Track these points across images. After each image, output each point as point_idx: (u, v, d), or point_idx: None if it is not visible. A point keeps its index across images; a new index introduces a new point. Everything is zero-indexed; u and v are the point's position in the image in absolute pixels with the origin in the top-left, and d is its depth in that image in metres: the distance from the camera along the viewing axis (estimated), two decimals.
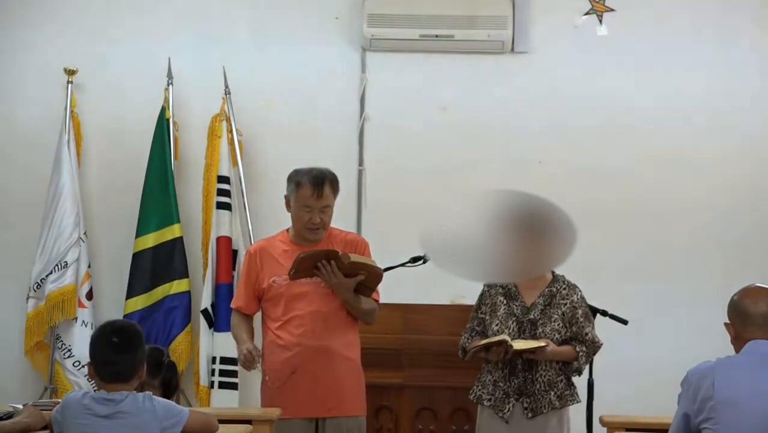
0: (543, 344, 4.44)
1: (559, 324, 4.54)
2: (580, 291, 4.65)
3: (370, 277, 4.47)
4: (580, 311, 4.58)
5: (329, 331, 4.49)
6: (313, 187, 4.49)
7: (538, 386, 4.50)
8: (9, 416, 3.68)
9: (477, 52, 6.39)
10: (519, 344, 4.43)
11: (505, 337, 4.43)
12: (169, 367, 4.48)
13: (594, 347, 4.59)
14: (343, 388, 4.51)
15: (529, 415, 4.49)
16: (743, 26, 6.40)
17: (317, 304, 4.50)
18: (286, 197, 4.59)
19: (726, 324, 3.63)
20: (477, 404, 4.60)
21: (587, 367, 4.70)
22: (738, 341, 3.58)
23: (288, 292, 4.51)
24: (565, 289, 4.61)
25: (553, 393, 4.52)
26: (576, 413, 4.70)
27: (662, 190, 6.34)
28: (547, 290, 4.60)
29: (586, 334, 4.57)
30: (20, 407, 3.81)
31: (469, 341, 4.63)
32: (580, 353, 4.54)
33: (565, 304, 4.57)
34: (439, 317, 4.98)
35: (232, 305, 4.72)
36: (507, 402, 4.50)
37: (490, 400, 4.53)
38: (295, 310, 4.51)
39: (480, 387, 4.59)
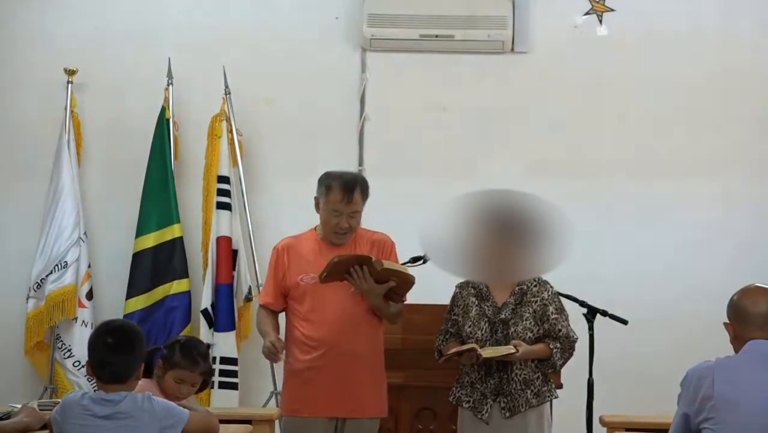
0: (512, 350, 4.43)
1: (530, 322, 4.53)
2: (551, 287, 4.63)
3: (402, 284, 4.48)
4: (551, 308, 4.57)
5: (355, 331, 4.49)
6: (344, 192, 4.49)
7: (514, 385, 4.49)
8: (8, 416, 3.68)
9: (477, 52, 6.38)
10: (488, 352, 4.43)
11: (474, 345, 4.43)
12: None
13: (569, 342, 4.55)
14: (365, 389, 4.52)
15: (507, 415, 4.48)
16: (745, 21, 6.40)
17: (345, 304, 4.50)
18: (316, 198, 4.58)
19: (725, 324, 3.63)
20: (457, 406, 4.60)
21: (588, 368, 4.69)
22: (737, 341, 3.58)
23: (316, 290, 4.51)
24: (535, 286, 4.60)
25: (529, 391, 4.51)
26: (576, 412, 4.70)
27: (663, 190, 6.33)
28: (517, 288, 4.59)
29: (560, 330, 4.55)
30: (18, 406, 3.81)
31: (444, 343, 4.65)
32: (554, 350, 4.52)
33: (536, 301, 4.57)
34: (439, 317, 4.96)
35: (260, 301, 4.72)
36: (485, 403, 4.49)
37: (468, 402, 4.53)
38: (322, 308, 4.51)
39: (459, 388, 4.59)
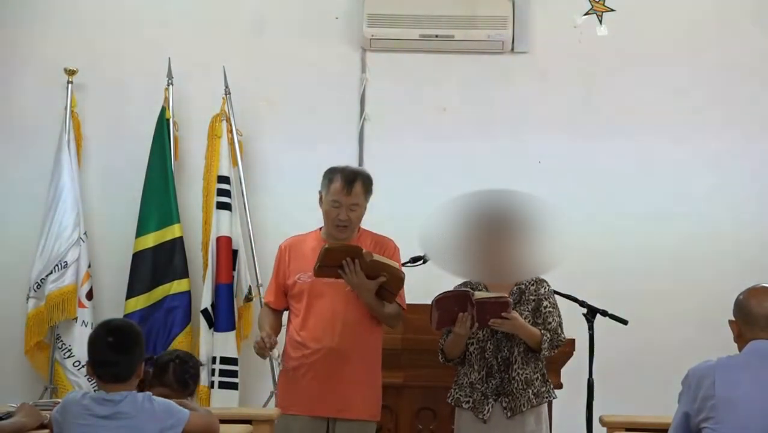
0: (506, 296, 4.38)
1: (529, 320, 4.52)
2: (547, 284, 4.61)
3: (392, 279, 4.44)
4: (545, 302, 4.54)
5: (347, 332, 4.48)
6: (344, 182, 4.48)
7: (515, 384, 4.48)
8: (7, 416, 3.68)
9: (477, 52, 6.39)
10: (481, 294, 4.38)
11: (466, 289, 4.39)
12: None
13: (556, 337, 4.49)
14: (355, 391, 4.49)
15: (509, 414, 4.47)
16: (744, 21, 6.40)
17: (339, 304, 4.49)
18: (320, 193, 4.58)
19: (730, 321, 3.64)
20: (455, 407, 4.59)
21: (588, 368, 4.69)
22: (740, 340, 3.59)
23: (311, 289, 4.51)
24: (533, 285, 4.58)
25: (530, 391, 4.50)
26: (576, 412, 4.70)
27: (662, 189, 6.34)
28: (515, 288, 4.58)
29: (550, 323, 4.50)
30: (16, 406, 3.79)
31: (445, 341, 4.60)
32: (545, 337, 4.47)
33: (534, 299, 4.56)
34: None
35: (264, 300, 4.78)
36: (486, 403, 4.48)
37: (468, 402, 4.51)
38: (316, 308, 4.50)
39: (457, 390, 4.57)
